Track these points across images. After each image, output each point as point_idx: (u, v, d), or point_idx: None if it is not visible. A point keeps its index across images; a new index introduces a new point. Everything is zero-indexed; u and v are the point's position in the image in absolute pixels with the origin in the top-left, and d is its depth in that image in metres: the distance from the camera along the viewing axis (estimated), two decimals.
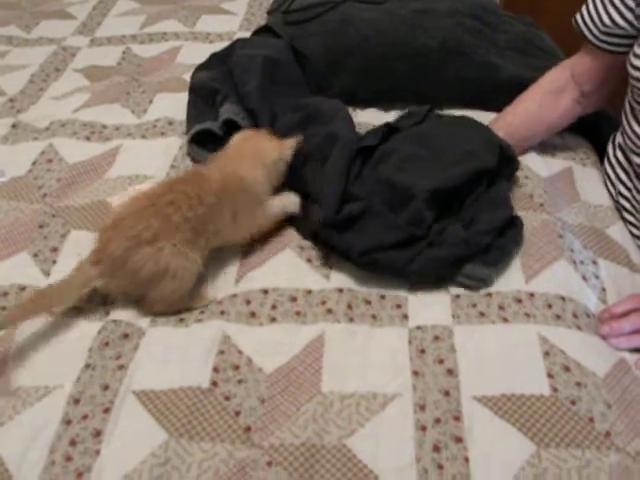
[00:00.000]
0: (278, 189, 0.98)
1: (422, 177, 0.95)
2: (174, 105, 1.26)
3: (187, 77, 1.32)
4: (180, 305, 0.87)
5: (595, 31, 1.02)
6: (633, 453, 0.71)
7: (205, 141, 1.11)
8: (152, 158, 1.13)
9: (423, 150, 1.00)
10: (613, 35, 1.00)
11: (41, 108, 1.29)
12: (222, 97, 1.13)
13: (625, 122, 1.05)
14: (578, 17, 1.05)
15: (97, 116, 1.24)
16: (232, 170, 0.92)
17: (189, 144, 1.12)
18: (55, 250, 0.96)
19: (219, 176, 0.90)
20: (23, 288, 0.91)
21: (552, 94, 1.09)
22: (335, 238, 0.90)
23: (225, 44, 1.34)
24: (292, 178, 0.99)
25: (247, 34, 1.44)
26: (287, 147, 0.97)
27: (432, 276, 0.89)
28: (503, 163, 1.00)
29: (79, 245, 0.96)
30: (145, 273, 0.83)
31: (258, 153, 0.96)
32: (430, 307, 0.87)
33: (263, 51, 1.19)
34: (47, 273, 0.93)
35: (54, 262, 0.95)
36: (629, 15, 0.97)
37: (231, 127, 1.09)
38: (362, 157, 1.01)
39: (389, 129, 1.06)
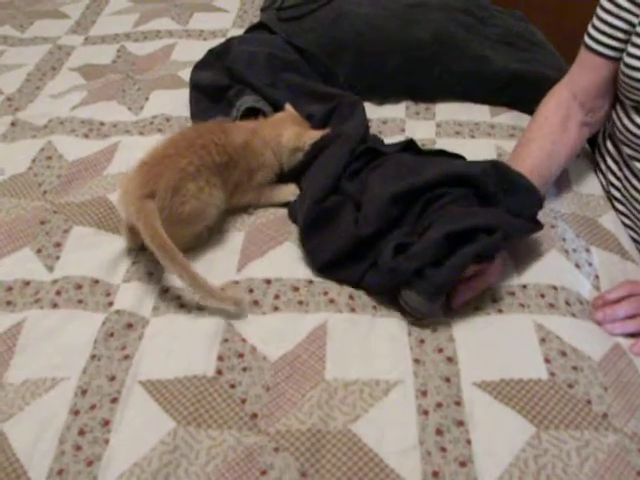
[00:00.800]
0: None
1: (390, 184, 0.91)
2: (170, 102, 1.27)
3: (182, 74, 1.35)
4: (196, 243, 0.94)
5: (596, 34, 1.01)
6: (630, 433, 0.73)
7: None
8: None
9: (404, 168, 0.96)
10: (612, 38, 0.99)
11: (39, 106, 1.29)
12: (236, 90, 1.14)
13: (615, 115, 1.06)
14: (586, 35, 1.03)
15: (94, 113, 1.25)
16: (255, 138, 0.99)
17: None
18: (59, 245, 0.97)
19: (244, 136, 0.97)
20: (27, 283, 0.91)
21: (560, 126, 1.03)
22: (306, 244, 0.92)
23: (219, 41, 1.35)
24: (300, 169, 1.01)
25: (240, 31, 1.46)
26: (308, 137, 1.00)
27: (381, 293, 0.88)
28: (522, 199, 0.90)
29: (83, 241, 0.98)
30: (188, 209, 0.88)
31: (279, 135, 1.00)
32: None
33: (264, 48, 1.20)
34: (51, 268, 0.94)
35: (57, 257, 0.95)
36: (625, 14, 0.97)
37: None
38: (368, 158, 1.00)
39: (406, 146, 1.02)
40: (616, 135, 1.07)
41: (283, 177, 1.04)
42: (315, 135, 1.01)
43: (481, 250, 0.81)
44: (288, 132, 1.00)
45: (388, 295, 0.87)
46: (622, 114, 1.04)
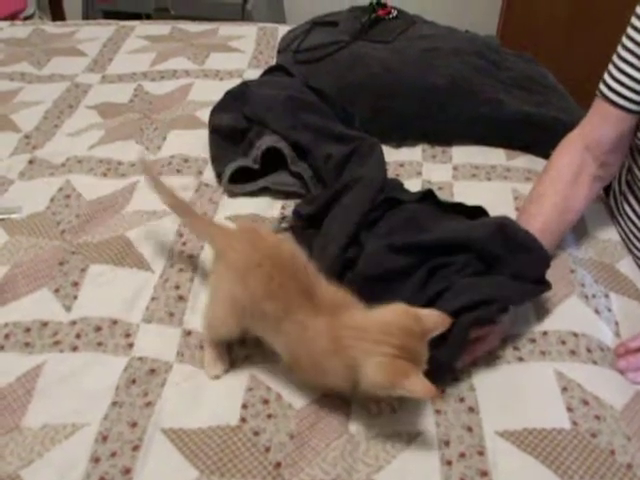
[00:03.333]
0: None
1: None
2: (188, 142, 1.28)
3: (199, 114, 1.36)
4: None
5: (615, 86, 0.97)
6: None
7: (236, 179, 1.15)
8: None
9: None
10: (634, 91, 0.96)
11: (57, 144, 1.30)
12: (256, 132, 1.16)
13: (633, 163, 1.06)
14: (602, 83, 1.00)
15: (112, 153, 1.26)
16: None
17: (227, 184, 1.15)
18: (76, 285, 0.97)
19: None
20: (45, 324, 0.91)
21: (573, 181, 1.00)
22: None
23: (235, 81, 1.37)
24: (319, 216, 1.01)
25: (256, 71, 1.48)
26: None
27: None
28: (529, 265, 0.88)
29: (100, 278, 0.98)
30: None
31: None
32: None
33: (283, 91, 1.21)
34: (69, 308, 0.94)
35: (75, 297, 0.95)
36: None
37: (266, 161, 1.13)
38: (386, 207, 0.99)
39: (424, 196, 1.01)
40: (637, 184, 1.06)
41: (311, 224, 1.03)
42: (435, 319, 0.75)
43: (477, 320, 0.81)
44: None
45: None
46: None
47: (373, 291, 0.80)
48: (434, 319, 0.74)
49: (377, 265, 0.88)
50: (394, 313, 0.74)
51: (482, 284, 0.86)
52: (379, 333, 0.72)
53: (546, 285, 0.89)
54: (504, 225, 0.90)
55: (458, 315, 0.80)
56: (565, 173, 1.00)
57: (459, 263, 0.87)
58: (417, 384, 0.70)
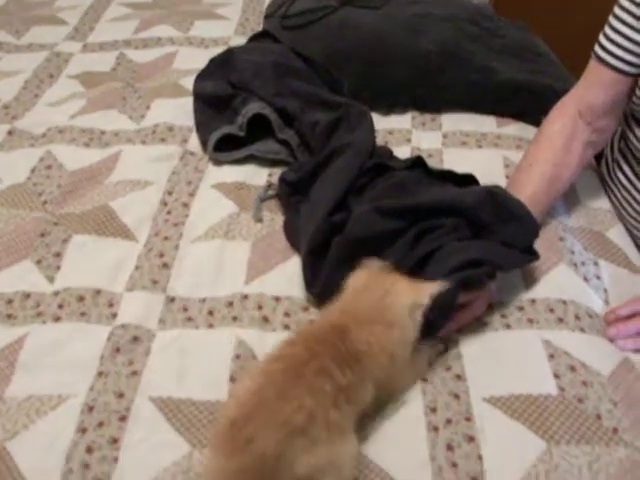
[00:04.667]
0: None
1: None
2: (172, 111, 1.26)
3: (184, 82, 1.34)
4: None
5: (610, 47, 0.95)
6: None
7: (221, 147, 1.13)
8: (153, 164, 1.13)
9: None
10: (631, 52, 0.94)
11: (37, 115, 1.28)
12: (242, 98, 1.14)
13: (627, 129, 1.05)
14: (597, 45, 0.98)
15: (95, 122, 1.24)
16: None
17: (212, 152, 1.13)
18: (58, 255, 0.96)
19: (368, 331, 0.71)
20: (27, 295, 0.90)
21: (564, 148, 0.98)
22: (310, 264, 0.89)
23: (220, 49, 1.34)
24: (305, 183, 1.00)
25: (242, 39, 1.45)
26: (426, 288, 0.75)
27: None
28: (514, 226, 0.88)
29: (83, 249, 0.97)
30: (302, 473, 0.62)
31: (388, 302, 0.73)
32: None
33: (269, 56, 1.19)
34: (51, 279, 0.92)
35: (58, 268, 0.94)
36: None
37: (252, 128, 1.11)
38: (374, 174, 0.99)
39: (414, 163, 1.00)
40: (631, 151, 1.05)
41: (298, 190, 1.02)
42: (431, 288, 0.75)
43: (466, 279, 0.80)
44: (399, 288, 0.74)
45: None
46: (638, 131, 1.01)
47: (361, 254, 0.80)
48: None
49: (366, 228, 0.87)
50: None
51: (472, 246, 0.85)
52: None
53: (534, 255, 0.89)
54: (494, 193, 0.89)
55: (447, 275, 0.79)
56: (556, 140, 0.99)
57: (448, 226, 0.86)
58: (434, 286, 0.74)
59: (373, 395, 0.70)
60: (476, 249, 0.85)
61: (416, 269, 0.83)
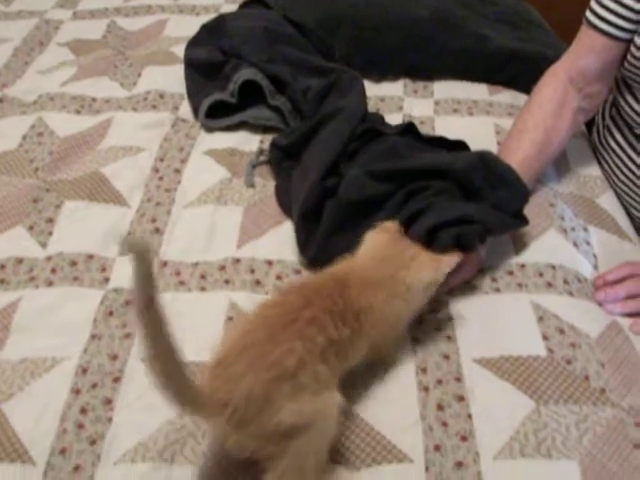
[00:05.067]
0: None
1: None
2: (164, 78, 1.25)
3: (175, 50, 1.33)
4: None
5: (601, 12, 0.95)
6: (627, 407, 0.75)
7: (213, 114, 1.12)
8: (144, 131, 1.12)
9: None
10: (622, 17, 0.94)
11: (27, 82, 1.27)
12: (233, 65, 1.13)
13: (620, 98, 1.04)
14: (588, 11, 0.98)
15: (86, 89, 1.23)
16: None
17: (203, 119, 1.13)
18: (51, 221, 0.96)
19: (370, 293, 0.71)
20: (20, 260, 0.90)
21: (554, 113, 0.98)
22: (302, 229, 0.89)
23: (211, 16, 1.32)
24: (297, 148, 1.00)
25: (233, 6, 1.44)
26: (445, 265, 0.75)
27: None
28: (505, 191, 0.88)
29: (75, 215, 0.97)
30: (285, 422, 0.60)
31: (403, 275, 0.73)
32: None
33: (260, 22, 1.18)
34: (44, 245, 0.93)
35: (50, 233, 0.94)
36: None
37: (243, 95, 1.10)
38: (366, 139, 0.98)
39: (405, 129, 1.00)
40: (620, 116, 1.05)
41: (289, 155, 1.02)
42: (451, 261, 0.76)
43: (459, 235, 0.79)
44: (419, 263, 0.74)
45: None
46: (630, 98, 1.01)
47: (354, 217, 0.80)
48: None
49: (358, 191, 0.87)
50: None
51: (462, 206, 0.86)
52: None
53: (523, 220, 0.90)
54: (485, 158, 0.90)
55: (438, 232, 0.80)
56: (547, 106, 0.99)
57: (438, 187, 0.86)
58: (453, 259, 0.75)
59: (364, 355, 0.71)
60: (467, 208, 0.85)
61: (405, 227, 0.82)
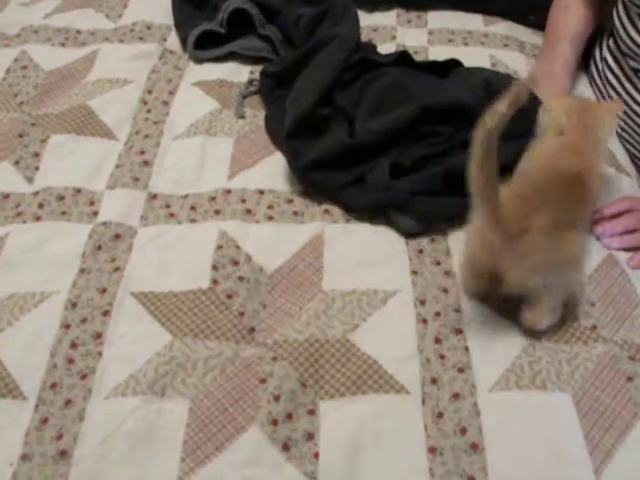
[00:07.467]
0: None
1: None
2: (150, 9, 1.21)
3: None
4: None
5: None
6: (620, 342, 0.74)
7: (202, 45, 1.10)
8: (132, 62, 1.09)
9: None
10: None
11: (9, 15, 1.23)
12: None
13: (619, 24, 1.02)
14: None
15: (70, 21, 1.20)
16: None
17: (192, 50, 1.10)
18: (37, 156, 0.93)
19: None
20: (7, 196, 0.88)
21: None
22: (290, 144, 0.89)
23: None
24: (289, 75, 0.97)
25: None
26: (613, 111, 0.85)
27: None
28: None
29: (62, 148, 0.94)
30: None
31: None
32: None
33: None
34: (30, 180, 0.90)
35: (37, 168, 0.92)
36: None
37: (233, 25, 1.07)
38: (361, 68, 0.97)
39: (399, 57, 1.00)
40: (619, 47, 1.04)
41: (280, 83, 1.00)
42: (617, 108, 0.87)
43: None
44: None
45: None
46: (627, 24, 1.00)
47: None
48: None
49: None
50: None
51: None
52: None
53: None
54: (490, 83, 0.89)
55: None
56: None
57: (446, 134, 0.86)
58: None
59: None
60: None
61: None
